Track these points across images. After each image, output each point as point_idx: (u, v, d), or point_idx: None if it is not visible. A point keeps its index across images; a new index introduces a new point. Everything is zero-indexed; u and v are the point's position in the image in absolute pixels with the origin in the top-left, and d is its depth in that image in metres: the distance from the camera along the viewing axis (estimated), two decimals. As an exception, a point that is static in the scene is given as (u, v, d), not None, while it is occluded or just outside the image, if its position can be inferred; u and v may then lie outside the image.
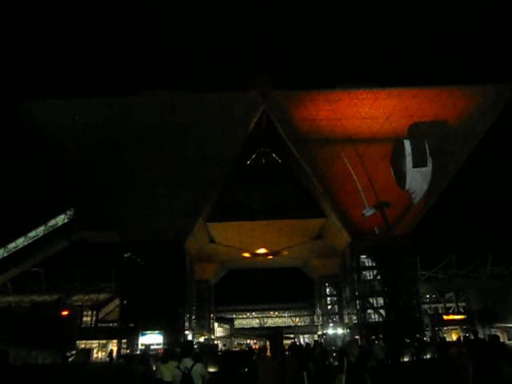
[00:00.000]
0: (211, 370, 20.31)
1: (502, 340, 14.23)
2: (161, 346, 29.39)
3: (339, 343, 40.14)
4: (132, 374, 10.45)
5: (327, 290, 51.48)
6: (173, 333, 30.49)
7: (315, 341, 21.55)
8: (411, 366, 21.41)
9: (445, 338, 32.50)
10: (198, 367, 6.12)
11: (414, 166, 31.09)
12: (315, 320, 58.74)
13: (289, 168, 35.87)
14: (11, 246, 40.60)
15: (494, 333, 31.84)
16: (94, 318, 40.91)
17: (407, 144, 30.90)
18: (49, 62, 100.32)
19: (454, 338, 39.21)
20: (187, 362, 6.15)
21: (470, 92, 30.41)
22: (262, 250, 42.90)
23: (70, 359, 31.76)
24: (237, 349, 50.34)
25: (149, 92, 30.00)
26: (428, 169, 31.12)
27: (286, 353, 22.98)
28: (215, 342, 47.63)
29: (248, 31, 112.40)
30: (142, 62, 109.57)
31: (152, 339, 30.41)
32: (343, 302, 42.62)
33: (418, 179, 31.21)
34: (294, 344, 41.63)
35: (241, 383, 17.70)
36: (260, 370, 18.46)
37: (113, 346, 36.58)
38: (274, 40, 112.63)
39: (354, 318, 34.00)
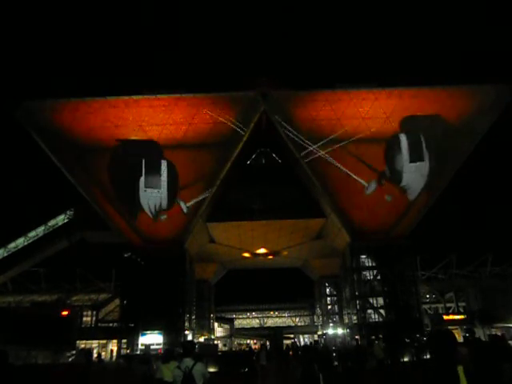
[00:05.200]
0: (211, 369, 20.34)
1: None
2: (161, 346, 29.38)
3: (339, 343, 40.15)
4: (132, 373, 10.46)
5: (327, 289, 51.44)
6: (173, 333, 30.48)
7: (315, 341, 21.57)
8: (411, 365, 21.40)
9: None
10: (199, 366, 6.15)
11: (412, 161, 31.14)
12: (315, 320, 58.71)
13: (289, 168, 35.86)
14: (11, 245, 40.68)
15: (494, 333, 31.83)
16: (93, 318, 40.90)
17: (404, 140, 30.97)
18: (49, 61, 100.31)
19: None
20: (188, 361, 6.16)
21: (470, 92, 30.43)
22: (262, 250, 42.87)
23: (70, 359, 31.84)
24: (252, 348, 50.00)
25: (149, 92, 30.01)
26: (425, 164, 31.10)
27: (291, 352, 22.84)
28: (215, 342, 47.60)
29: (248, 31, 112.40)
30: (143, 61, 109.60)
31: (152, 339, 30.39)
32: (343, 302, 42.58)
33: (414, 175, 31.21)
34: (294, 344, 41.65)
35: (241, 383, 17.72)
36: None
37: (113, 345, 36.61)
38: (275, 40, 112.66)
39: (354, 317, 33.96)
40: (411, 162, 31.12)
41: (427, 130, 30.92)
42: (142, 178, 30.83)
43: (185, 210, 31.06)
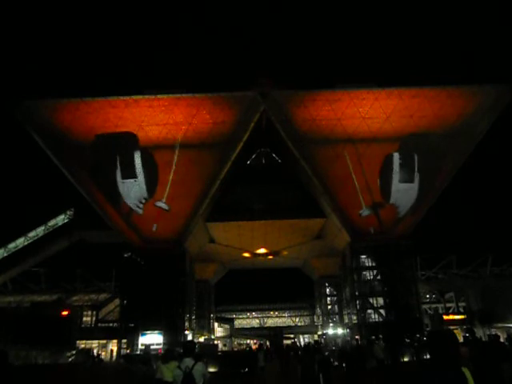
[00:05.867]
0: (211, 369, 20.32)
1: (502, 340, 14.21)
2: (161, 346, 29.36)
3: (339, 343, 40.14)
4: (133, 374, 10.46)
5: (327, 289, 51.43)
6: (173, 333, 30.45)
7: (315, 341, 21.51)
8: (411, 365, 21.41)
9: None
10: (199, 366, 6.16)
11: (401, 181, 31.03)
12: (315, 320, 58.69)
13: (289, 168, 35.86)
14: (11, 246, 40.73)
15: (494, 333, 31.82)
16: (94, 318, 40.90)
17: (397, 159, 30.99)
18: (49, 61, 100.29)
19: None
20: (188, 361, 6.17)
21: (469, 92, 30.40)
22: (262, 250, 42.88)
23: (70, 359, 31.85)
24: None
25: (149, 92, 29.99)
26: (415, 185, 31.05)
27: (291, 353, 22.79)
28: (215, 342, 47.62)
29: (248, 31, 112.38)
30: (143, 61, 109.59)
31: (152, 339, 30.37)
32: (343, 301, 42.59)
33: (403, 194, 31.14)
34: (294, 344, 41.60)
35: (241, 383, 17.71)
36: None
37: (113, 345, 36.61)
38: (275, 40, 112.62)
39: (354, 317, 33.96)
40: (401, 181, 31.04)
41: (427, 131, 30.87)
42: (119, 170, 30.62)
43: (166, 208, 30.95)
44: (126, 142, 30.43)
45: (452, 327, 37.98)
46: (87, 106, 29.63)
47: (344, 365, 17.78)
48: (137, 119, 30.05)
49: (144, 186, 30.76)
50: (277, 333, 51.93)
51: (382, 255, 32.46)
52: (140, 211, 31.01)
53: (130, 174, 30.62)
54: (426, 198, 32.03)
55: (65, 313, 33.72)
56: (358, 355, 14.40)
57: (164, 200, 30.85)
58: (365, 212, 31.41)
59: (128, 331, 31.05)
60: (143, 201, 30.91)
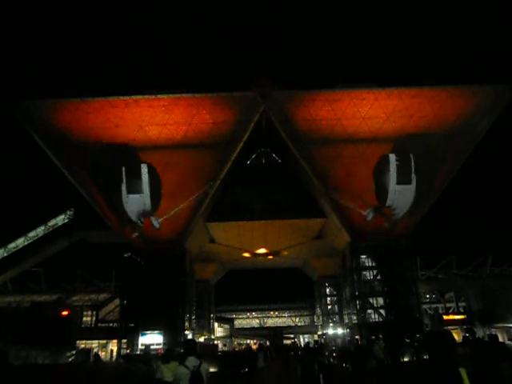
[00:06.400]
0: (211, 369, 20.31)
1: (501, 340, 14.24)
2: (161, 346, 29.37)
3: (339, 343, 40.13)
4: (132, 374, 10.45)
5: (327, 290, 51.45)
6: (173, 333, 30.48)
7: (315, 341, 21.53)
8: (411, 365, 21.42)
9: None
10: (205, 365, 6.18)
11: (398, 183, 30.35)
12: (315, 320, 58.71)
13: (289, 168, 35.86)
14: (11, 246, 40.76)
15: (494, 333, 31.84)
16: (94, 318, 40.91)
17: (393, 161, 30.40)
18: (49, 61, 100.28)
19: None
20: (193, 360, 6.14)
21: (469, 92, 30.37)
22: (262, 250, 42.89)
23: (70, 359, 31.85)
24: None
25: (149, 92, 29.98)
26: (412, 187, 30.48)
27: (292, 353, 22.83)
28: (215, 342, 47.63)
29: (248, 31, 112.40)
30: (143, 61, 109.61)
31: (152, 339, 30.38)
32: (343, 301, 42.59)
33: (400, 196, 30.65)
34: (295, 343, 41.61)
35: (241, 383, 17.70)
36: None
37: (113, 345, 36.63)
38: (274, 40, 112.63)
39: (354, 317, 33.97)
40: (398, 183, 30.49)
41: (427, 131, 30.84)
42: (124, 184, 29.87)
43: (157, 226, 30.51)
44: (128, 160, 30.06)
45: (452, 327, 38.00)
46: (87, 106, 29.58)
47: (345, 365, 17.80)
48: (137, 119, 30.02)
49: (148, 203, 30.24)
50: (277, 333, 52.01)
51: (382, 255, 32.46)
52: (141, 224, 30.77)
53: (134, 190, 30.07)
54: (426, 198, 32.03)
55: (65, 313, 33.73)
56: (361, 355, 14.41)
57: (159, 220, 30.51)
58: (369, 215, 31.10)
59: (128, 331, 31.06)
60: (146, 215, 30.55)
